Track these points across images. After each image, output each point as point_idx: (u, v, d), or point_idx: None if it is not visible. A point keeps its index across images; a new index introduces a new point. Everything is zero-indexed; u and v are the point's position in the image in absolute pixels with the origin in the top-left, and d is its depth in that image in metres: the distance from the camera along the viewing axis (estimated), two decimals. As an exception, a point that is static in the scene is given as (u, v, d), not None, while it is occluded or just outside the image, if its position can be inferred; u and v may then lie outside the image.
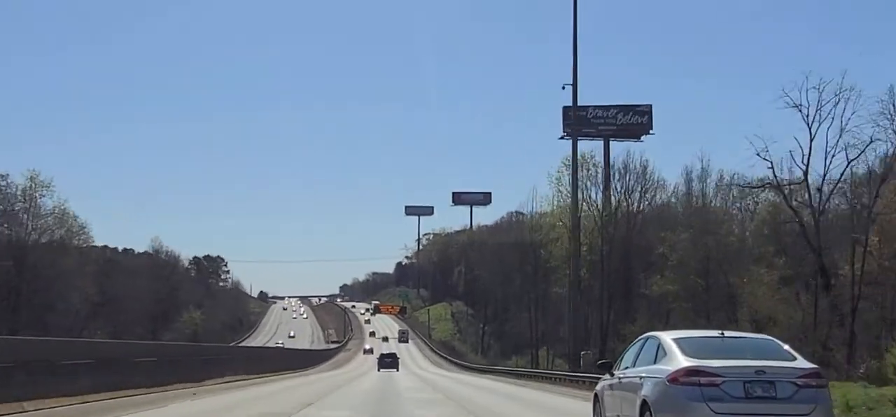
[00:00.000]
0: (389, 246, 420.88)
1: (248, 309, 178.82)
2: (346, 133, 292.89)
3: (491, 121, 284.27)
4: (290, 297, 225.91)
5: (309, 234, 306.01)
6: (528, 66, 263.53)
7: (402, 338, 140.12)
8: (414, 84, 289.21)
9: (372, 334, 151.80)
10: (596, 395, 14.70)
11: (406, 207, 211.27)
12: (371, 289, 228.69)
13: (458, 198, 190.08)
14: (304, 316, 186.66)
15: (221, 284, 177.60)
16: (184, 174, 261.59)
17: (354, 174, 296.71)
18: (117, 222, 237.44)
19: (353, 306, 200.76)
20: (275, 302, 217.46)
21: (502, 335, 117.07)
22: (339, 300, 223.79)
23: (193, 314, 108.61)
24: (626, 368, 13.26)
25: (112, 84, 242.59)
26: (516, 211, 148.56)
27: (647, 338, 13.23)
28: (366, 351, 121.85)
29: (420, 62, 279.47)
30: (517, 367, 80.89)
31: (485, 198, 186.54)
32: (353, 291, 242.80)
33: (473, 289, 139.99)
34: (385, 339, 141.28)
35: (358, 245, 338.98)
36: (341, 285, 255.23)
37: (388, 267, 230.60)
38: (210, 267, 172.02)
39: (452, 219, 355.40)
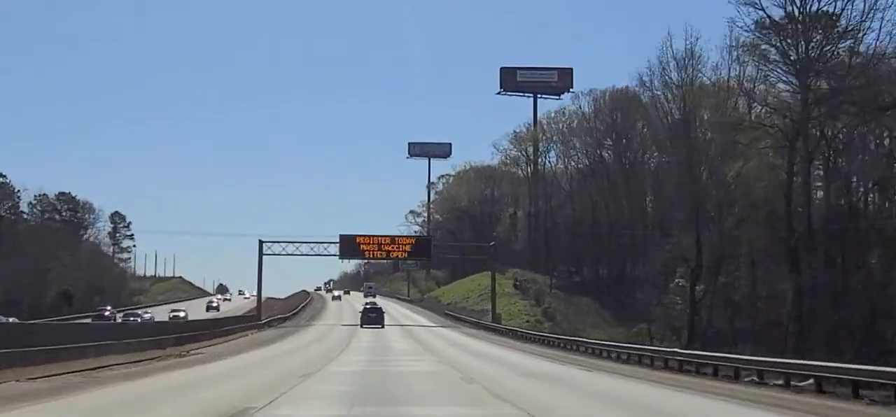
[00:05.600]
0: (387, 222, 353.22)
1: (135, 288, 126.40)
2: (339, 119, 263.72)
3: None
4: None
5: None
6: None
7: (369, 293, 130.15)
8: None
9: (329, 290, 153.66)
10: None
11: (409, 144, 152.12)
12: (361, 280, 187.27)
13: (512, 82, 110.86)
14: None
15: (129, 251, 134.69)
16: (193, 171, 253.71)
17: (350, 151, 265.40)
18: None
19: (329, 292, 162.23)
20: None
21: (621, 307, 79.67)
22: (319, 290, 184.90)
23: None
24: None
25: (119, 83, 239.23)
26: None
27: None
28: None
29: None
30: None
31: (561, 80, 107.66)
32: (341, 284, 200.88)
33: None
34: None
35: (349, 230, 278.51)
36: (326, 280, 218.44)
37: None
38: (84, 216, 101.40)
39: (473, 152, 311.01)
